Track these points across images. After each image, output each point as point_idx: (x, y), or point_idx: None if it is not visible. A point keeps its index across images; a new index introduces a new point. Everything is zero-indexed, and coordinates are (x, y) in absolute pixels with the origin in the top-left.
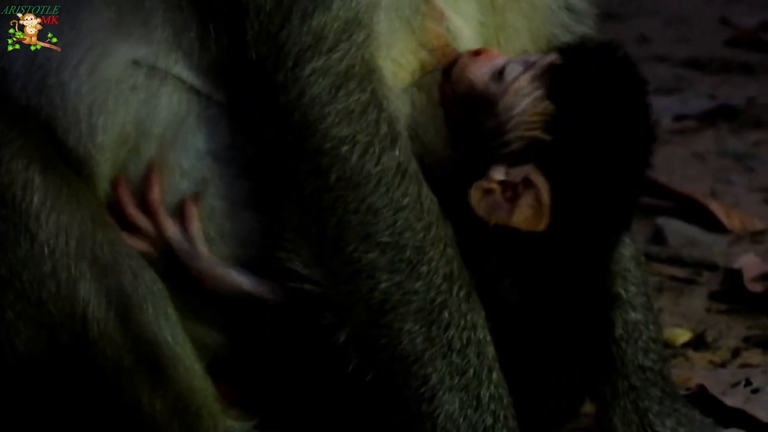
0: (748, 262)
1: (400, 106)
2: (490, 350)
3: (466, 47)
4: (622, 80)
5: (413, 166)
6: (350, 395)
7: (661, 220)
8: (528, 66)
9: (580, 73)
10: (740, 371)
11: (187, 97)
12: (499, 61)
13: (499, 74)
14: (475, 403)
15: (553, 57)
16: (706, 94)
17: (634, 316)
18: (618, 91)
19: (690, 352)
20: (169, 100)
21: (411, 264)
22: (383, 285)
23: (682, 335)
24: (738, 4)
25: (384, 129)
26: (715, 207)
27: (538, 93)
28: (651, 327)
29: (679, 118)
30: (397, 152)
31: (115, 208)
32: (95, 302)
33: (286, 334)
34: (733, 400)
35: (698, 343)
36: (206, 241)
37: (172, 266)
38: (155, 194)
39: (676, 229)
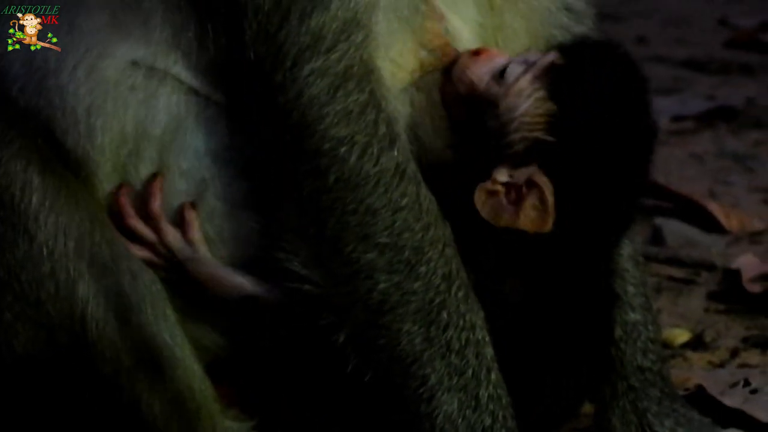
0: (747, 263)
1: (399, 106)
2: (489, 351)
3: (465, 48)
4: (623, 78)
5: (412, 167)
6: (349, 396)
7: (660, 221)
8: (529, 66)
9: (580, 73)
10: (739, 371)
11: (185, 98)
12: (500, 60)
13: (500, 75)
14: (473, 403)
15: (553, 56)
16: (705, 94)
17: (632, 316)
18: (619, 89)
19: (689, 353)
20: (168, 101)
21: (409, 264)
22: (382, 285)
23: (681, 335)
24: (737, 5)
25: (382, 129)
26: (714, 207)
27: (540, 94)
28: (650, 327)
29: (677, 118)
30: (395, 153)
31: (115, 216)
32: (94, 303)
33: (285, 335)
34: (731, 401)
35: (697, 343)
36: (205, 242)
37: (174, 270)
38: (156, 203)
39: (674, 229)
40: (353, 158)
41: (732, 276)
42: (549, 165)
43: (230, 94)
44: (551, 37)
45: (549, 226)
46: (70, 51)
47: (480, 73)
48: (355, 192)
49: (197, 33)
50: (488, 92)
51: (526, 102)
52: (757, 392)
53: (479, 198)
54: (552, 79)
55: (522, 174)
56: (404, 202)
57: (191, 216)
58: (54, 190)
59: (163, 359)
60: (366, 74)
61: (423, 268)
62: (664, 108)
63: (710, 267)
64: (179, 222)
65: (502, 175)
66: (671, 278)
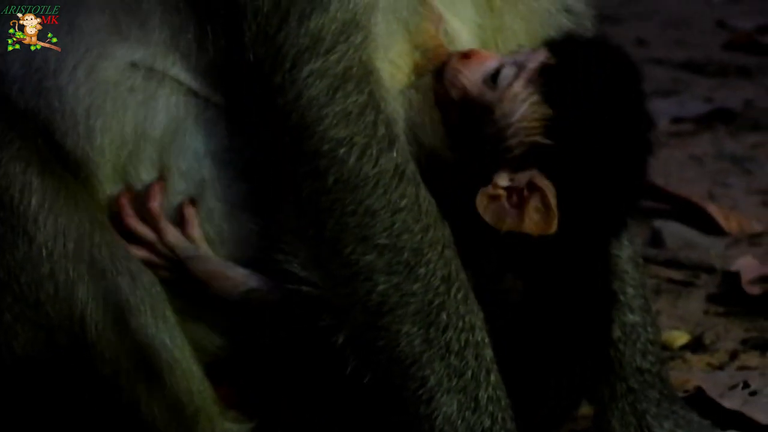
0: (746, 265)
1: (398, 107)
2: (488, 352)
3: (459, 49)
4: (616, 74)
5: (411, 168)
6: (348, 397)
7: (659, 223)
8: (521, 68)
9: (574, 73)
10: (738, 373)
11: (185, 99)
12: (491, 63)
13: (493, 79)
14: (473, 405)
15: (544, 55)
16: (704, 96)
17: (632, 318)
18: (613, 85)
19: (688, 355)
20: (167, 102)
21: (409, 266)
22: (381, 287)
23: (680, 337)
24: (735, 7)
25: (382, 131)
26: (713, 209)
27: (535, 98)
28: (649, 329)
29: (676, 120)
30: (394, 154)
31: (115, 218)
32: (93, 304)
33: (284, 336)
34: (731, 403)
35: (696, 345)
36: (205, 240)
37: (174, 270)
38: (155, 202)
39: (673, 231)
40: (352, 159)
41: (731, 278)
42: (549, 167)
43: (229, 95)
44: (551, 38)
45: (553, 228)
46: (70, 52)
47: (472, 77)
48: (355, 193)
49: (196, 34)
50: (482, 97)
51: (521, 107)
52: (756, 394)
53: (481, 202)
54: (546, 81)
55: (522, 177)
56: (403, 203)
57: (191, 213)
58: (53, 192)
59: (162, 361)
60: (365, 75)
61: (422, 270)
62: (663, 110)
63: (709, 269)
64: (179, 220)
65: (502, 180)
66: (670, 280)
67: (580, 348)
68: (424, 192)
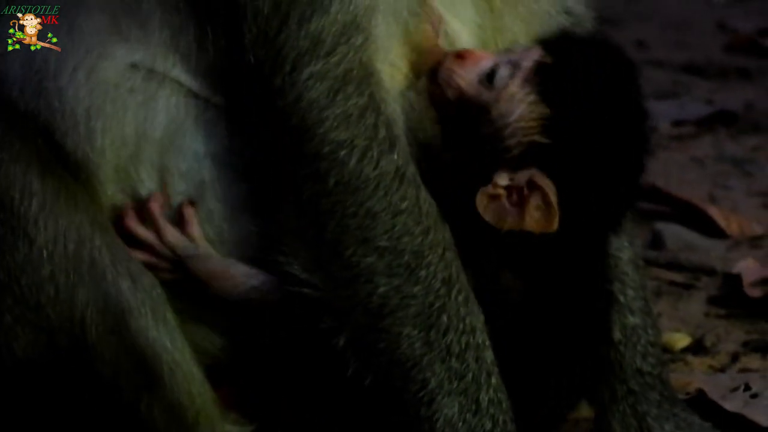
0: (747, 267)
1: (399, 109)
2: (489, 354)
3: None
4: (612, 71)
5: (411, 170)
6: (349, 399)
7: (660, 225)
8: (516, 67)
9: (570, 70)
10: (739, 376)
11: (185, 100)
12: (485, 63)
13: (488, 78)
14: (474, 407)
15: (538, 53)
16: (704, 99)
17: (632, 320)
18: (609, 81)
19: (689, 357)
20: (167, 103)
21: (409, 268)
22: (381, 289)
23: (681, 340)
24: (736, 10)
25: (382, 133)
26: (714, 212)
27: (532, 98)
28: (649, 331)
29: (677, 123)
30: (395, 156)
31: (117, 222)
32: (94, 306)
33: (285, 338)
34: (732, 405)
35: (697, 347)
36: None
37: (175, 270)
38: (155, 203)
39: (674, 233)
40: (353, 161)
41: (732, 280)
42: (548, 165)
43: (229, 97)
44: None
45: (555, 225)
46: (70, 53)
47: (467, 77)
48: (355, 195)
49: (196, 36)
50: (478, 98)
51: (519, 107)
52: (757, 396)
53: (481, 202)
54: (542, 80)
55: (522, 176)
56: (404, 205)
57: (190, 213)
58: (54, 193)
59: (162, 363)
60: (365, 77)
61: (423, 272)
62: (663, 112)
63: (710, 271)
64: (178, 221)
65: (502, 179)
66: (671, 282)
67: (578, 347)
68: (424, 194)
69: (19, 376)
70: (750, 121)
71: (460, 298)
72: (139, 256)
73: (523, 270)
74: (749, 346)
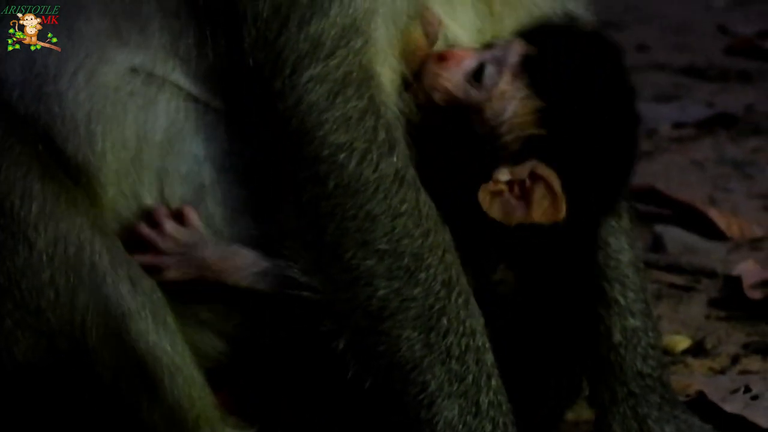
0: (747, 269)
1: (398, 112)
2: (489, 357)
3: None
4: (596, 54)
5: (411, 173)
6: (349, 402)
7: (660, 228)
8: (502, 63)
9: (556, 60)
10: (739, 378)
11: (184, 104)
12: (469, 62)
13: (475, 77)
14: (474, 409)
15: (521, 46)
16: (705, 101)
17: (632, 322)
18: (595, 64)
19: (689, 359)
20: (167, 107)
21: (409, 271)
22: (381, 292)
23: (682, 342)
24: (736, 13)
25: (382, 135)
26: (714, 214)
27: (524, 93)
28: (650, 333)
29: (677, 125)
30: (394, 159)
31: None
32: (94, 310)
33: (285, 340)
34: (732, 407)
35: (698, 350)
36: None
37: (182, 265)
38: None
39: (675, 236)
40: (352, 164)
41: (732, 282)
42: (547, 155)
43: (229, 100)
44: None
45: (563, 213)
46: (70, 56)
47: (453, 79)
48: (355, 198)
49: (196, 39)
50: (468, 98)
51: (511, 104)
52: (757, 398)
53: (484, 199)
54: (530, 74)
55: (523, 169)
56: (404, 208)
57: (188, 210)
58: (54, 197)
59: (163, 366)
60: (365, 80)
61: (423, 275)
62: (664, 115)
63: (711, 274)
64: (178, 218)
65: (503, 175)
66: (672, 285)
67: (577, 347)
68: (424, 196)
69: (19, 380)
70: (750, 123)
71: (460, 300)
72: (143, 259)
73: (523, 269)
74: (749, 348)
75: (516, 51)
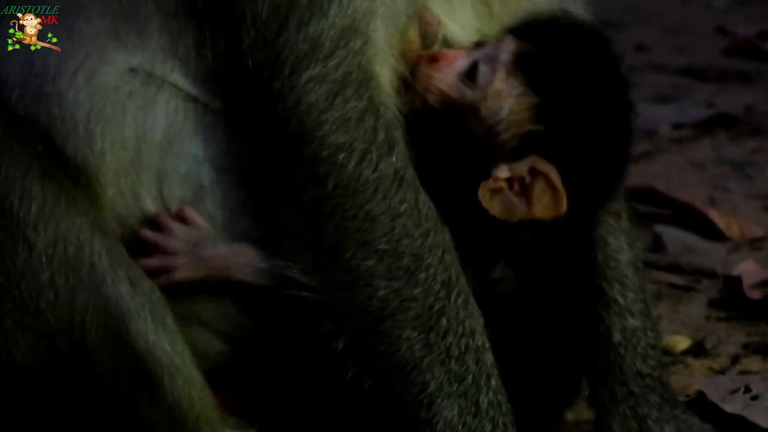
0: (747, 269)
1: (397, 112)
2: (489, 357)
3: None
4: (587, 46)
5: (410, 173)
6: (349, 402)
7: (660, 228)
8: (494, 61)
9: (549, 54)
10: (739, 378)
11: (183, 104)
12: (461, 62)
13: (469, 77)
14: (473, 409)
15: (512, 43)
16: (704, 102)
17: (632, 322)
18: (588, 56)
19: (689, 359)
20: (166, 107)
21: (409, 271)
22: (381, 292)
23: (682, 342)
24: (735, 14)
25: (381, 136)
26: (714, 214)
27: (519, 90)
28: (649, 333)
29: (677, 126)
30: (394, 159)
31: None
32: (93, 311)
33: (285, 341)
34: (732, 407)
35: (697, 350)
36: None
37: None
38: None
39: (674, 236)
40: (352, 165)
41: (732, 283)
42: (546, 150)
43: (228, 101)
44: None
45: (564, 207)
46: (69, 57)
47: (446, 80)
48: (354, 198)
49: (195, 40)
50: (463, 98)
51: (507, 101)
52: (757, 398)
53: (485, 198)
54: (525, 70)
55: (522, 166)
56: (403, 208)
57: (189, 210)
58: (53, 198)
59: (162, 367)
60: (364, 81)
61: (422, 275)
62: (663, 115)
63: (710, 274)
64: (180, 219)
65: (502, 172)
66: (671, 285)
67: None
68: (423, 197)
69: (19, 381)
70: (749, 123)
71: (460, 300)
72: (153, 262)
73: (523, 268)
74: (749, 348)
75: (508, 48)
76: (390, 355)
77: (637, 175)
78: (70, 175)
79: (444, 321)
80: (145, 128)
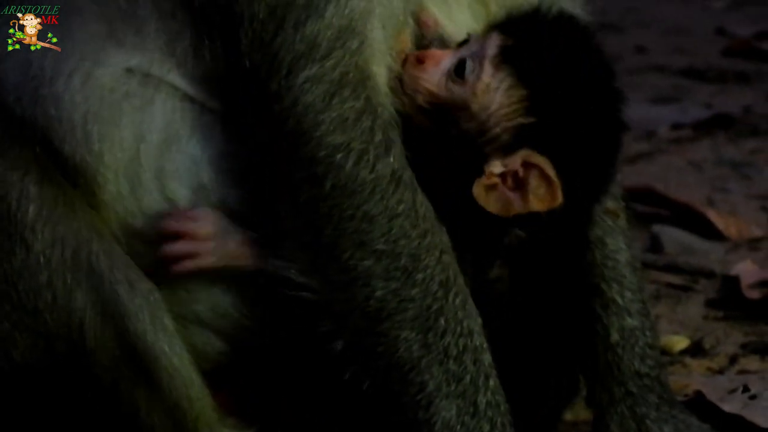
0: (746, 269)
1: (394, 112)
2: (487, 357)
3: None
4: (571, 36)
5: (408, 173)
6: (347, 402)
7: (658, 228)
8: (481, 57)
9: (535, 46)
10: (738, 377)
11: (181, 105)
12: (447, 60)
13: (456, 73)
14: (472, 410)
15: (498, 38)
16: (703, 103)
17: (630, 322)
18: (572, 46)
19: (688, 359)
20: (164, 108)
21: (407, 271)
22: (379, 293)
23: (680, 342)
24: (734, 15)
25: (378, 136)
26: (712, 215)
27: (507, 83)
28: (647, 333)
29: (676, 126)
30: (391, 159)
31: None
32: (92, 312)
33: (283, 341)
34: (730, 407)
35: (696, 350)
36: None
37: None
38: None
39: (673, 236)
40: (349, 165)
41: (731, 283)
42: (537, 142)
43: (226, 101)
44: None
45: (560, 198)
46: (66, 58)
47: (434, 79)
48: (352, 199)
49: (192, 41)
50: (452, 96)
51: (497, 96)
52: (756, 398)
53: (479, 194)
54: (512, 63)
55: (515, 160)
56: (401, 208)
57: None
58: (51, 199)
59: (161, 368)
60: (361, 81)
61: (420, 275)
62: (662, 116)
63: (709, 274)
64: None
65: (496, 167)
66: (670, 285)
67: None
68: (420, 197)
69: (17, 382)
70: (748, 124)
71: (458, 300)
72: (179, 247)
73: (521, 268)
74: (748, 348)
75: (493, 43)
76: (388, 356)
77: (636, 176)
78: (69, 177)
79: (442, 321)
80: (142, 129)
